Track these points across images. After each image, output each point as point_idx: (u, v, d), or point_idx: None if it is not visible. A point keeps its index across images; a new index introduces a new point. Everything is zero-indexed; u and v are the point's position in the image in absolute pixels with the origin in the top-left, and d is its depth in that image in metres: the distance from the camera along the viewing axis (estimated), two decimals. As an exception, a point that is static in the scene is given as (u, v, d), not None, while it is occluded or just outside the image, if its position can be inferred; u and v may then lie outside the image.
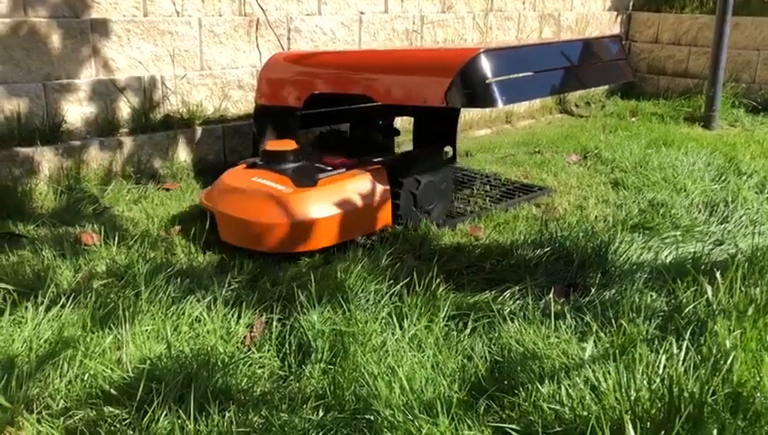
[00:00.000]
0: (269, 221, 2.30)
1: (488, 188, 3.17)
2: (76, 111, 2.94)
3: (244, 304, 1.85)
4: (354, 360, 1.49)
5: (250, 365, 1.62)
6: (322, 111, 3.17)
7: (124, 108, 3.08)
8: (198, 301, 1.86)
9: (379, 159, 2.60)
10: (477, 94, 2.22)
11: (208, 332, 1.74)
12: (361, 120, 3.19)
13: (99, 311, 1.81)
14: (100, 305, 1.82)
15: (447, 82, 2.23)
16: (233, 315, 1.80)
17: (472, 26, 4.63)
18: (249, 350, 1.69)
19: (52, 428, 1.32)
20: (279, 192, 2.35)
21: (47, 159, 2.78)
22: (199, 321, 1.80)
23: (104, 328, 1.72)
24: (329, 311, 1.78)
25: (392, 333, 1.64)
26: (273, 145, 2.65)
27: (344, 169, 2.48)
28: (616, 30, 5.74)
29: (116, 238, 2.34)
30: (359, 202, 2.38)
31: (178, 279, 1.97)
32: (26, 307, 1.79)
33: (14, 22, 2.73)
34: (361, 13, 3.97)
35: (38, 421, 1.35)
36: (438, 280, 1.91)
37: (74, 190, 2.80)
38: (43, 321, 1.74)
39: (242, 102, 3.52)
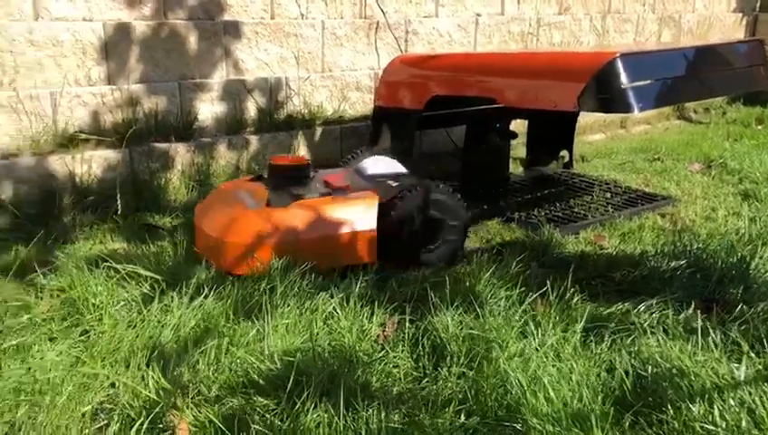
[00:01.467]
0: (219, 237, 2.14)
1: (608, 195, 3.09)
2: (207, 109, 3.08)
3: (375, 302, 1.88)
4: (496, 366, 1.49)
5: (385, 364, 1.64)
6: (438, 114, 3.18)
7: (251, 107, 3.20)
8: (331, 297, 1.91)
9: (392, 185, 2.37)
10: (613, 100, 2.16)
11: (342, 328, 1.78)
12: (478, 122, 3.17)
13: (231, 303, 1.88)
14: (239, 298, 1.90)
15: (581, 87, 2.19)
16: (366, 313, 1.83)
17: (588, 28, 4.52)
18: (383, 349, 1.71)
19: (210, 413, 1.39)
20: (242, 210, 2.20)
21: (180, 155, 2.92)
22: (332, 317, 1.84)
23: (246, 320, 1.79)
24: (461, 315, 1.78)
25: (529, 342, 1.62)
26: (277, 159, 2.49)
27: (333, 193, 2.29)
28: (740, 33, 5.45)
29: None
30: (328, 231, 2.16)
31: (312, 276, 2.02)
32: (172, 296, 1.89)
33: (155, 24, 2.88)
34: (477, 15, 3.95)
35: (196, 406, 1.42)
36: (573, 290, 1.88)
37: (204, 185, 2.93)
38: (188, 310, 1.84)
39: (359, 104, 3.57)
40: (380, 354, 1.65)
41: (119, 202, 2.58)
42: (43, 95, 2.66)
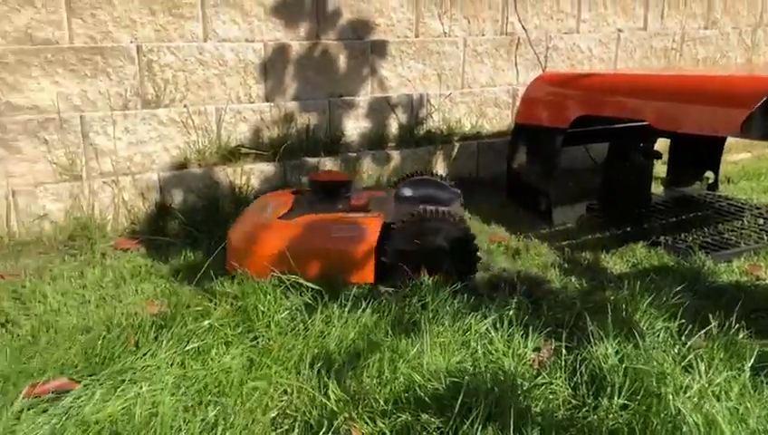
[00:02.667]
0: (237, 245, 2.27)
1: (761, 221, 2.95)
2: (353, 125, 3.21)
3: (530, 326, 1.90)
4: (665, 402, 1.47)
5: (543, 388, 1.66)
6: (581, 131, 3.15)
7: (393, 123, 3.30)
8: (484, 317, 1.95)
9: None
10: (782, 127, 2.08)
11: (498, 350, 1.81)
12: (620, 140, 3.12)
13: (388, 317, 1.97)
14: (389, 312, 1.98)
15: (746, 113, 2.11)
16: (521, 336, 1.86)
17: (736, 43, 4.31)
18: (538, 374, 1.73)
19: (384, 427, 1.47)
20: (257, 220, 2.31)
21: (328, 169, 3.06)
22: (485, 337, 1.88)
23: (403, 335, 1.86)
24: (619, 344, 1.77)
25: (694, 378, 1.60)
26: (318, 175, 2.60)
27: (348, 211, 2.34)
28: None
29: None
30: (322, 245, 2.21)
31: (464, 295, 2.07)
32: (333, 308, 2.00)
33: (310, 44, 3.04)
34: (619, 30, 3.87)
35: (369, 419, 1.51)
36: (738, 325, 1.82)
37: (349, 198, 3.06)
38: (348, 322, 1.94)
39: (496, 120, 3.60)
40: (540, 380, 1.68)
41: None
42: (210, 111, 2.87)
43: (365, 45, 3.18)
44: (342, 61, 3.14)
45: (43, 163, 2.60)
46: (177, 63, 2.78)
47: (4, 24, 2.49)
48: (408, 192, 2.55)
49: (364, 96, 3.22)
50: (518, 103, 3.36)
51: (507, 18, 3.51)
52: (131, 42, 2.70)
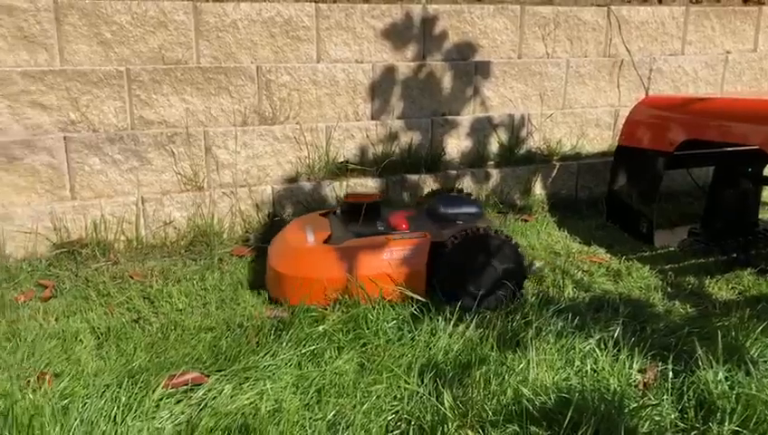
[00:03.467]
0: (279, 270, 2.31)
1: None
2: (454, 143, 3.30)
3: (636, 348, 1.92)
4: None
5: (649, 411, 1.68)
6: (686, 154, 3.11)
7: (493, 142, 3.37)
8: (588, 337, 1.98)
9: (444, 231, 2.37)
10: None
11: (602, 369, 1.84)
12: (728, 164, 3.06)
13: (493, 332, 2.03)
14: (494, 327, 2.04)
15: None
16: (627, 357, 1.88)
17: None
18: (645, 395, 1.75)
19: (494, 435, 1.54)
20: (301, 245, 2.35)
21: (427, 186, 3.16)
22: (589, 356, 1.92)
23: (508, 350, 1.92)
24: (729, 370, 1.77)
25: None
26: (350, 196, 2.64)
27: (389, 233, 2.36)
28: None
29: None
30: (378, 270, 2.24)
31: (569, 314, 2.11)
32: (438, 320, 2.08)
33: (415, 65, 3.16)
34: (727, 52, 3.80)
35: (481, 428, 1.58)
36: None
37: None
38: (452, 335, 2.01)
39: (597, 141, 3.60)
40: (646, 401, 1.70)
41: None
42: (320, 128, 3.03)
43: (469, 66, 3.27)
44: (446, 81, 3.23)
45: (169, 174, 2.82)
46: (293, 83, 2.96)
47: (141, 45, 2.72)
48: (440, 209, 2.58)
49: (466, 115, 3.30)
50: (620, 125, 3.35)
51: (611, 40, 3.51)
52: (252, 62, 2.89)
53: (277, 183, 2.98)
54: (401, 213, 2.56)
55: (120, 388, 1.69)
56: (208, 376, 1.80)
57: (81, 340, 2.03)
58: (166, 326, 2.15)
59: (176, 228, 2.83)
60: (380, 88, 3.12)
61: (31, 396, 1.62)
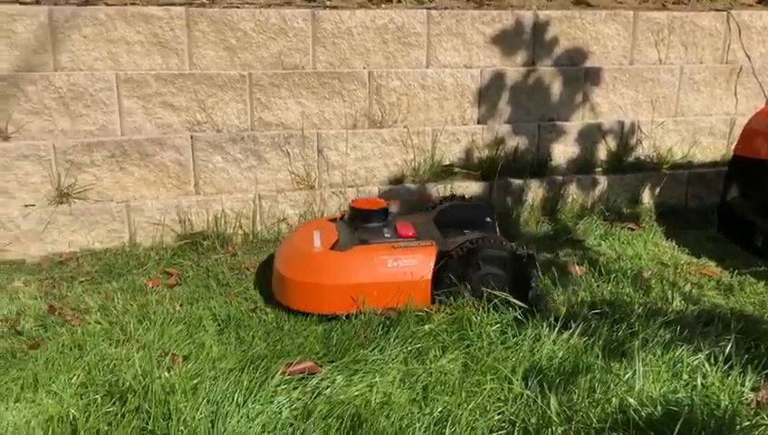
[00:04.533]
0: (285, 275, 2.31)
1: None
2: (560, 149, 3.29)
3: (749, 365, 1.88)
4: None
5: (763, 430, 1.65)
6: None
7: (601, 149, 3.33)
8: (696, 351, 1.95)
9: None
10: None
11: (711, 385, 1.82)
12: None
13: (598, 340, 2.03)
14: (599, 336, 2.05)
15: None
16: (739, 374, 1.84)
17: None
18: (758, 414, 1.72)
19: (601, 443, 1.56)
20: (308, 250, 2.32)
21: (532, 191, 3.17)
22: (697, 371, 1.89)
23: (613, 359, 1.92)
24: None
25: None
26: (357, 202, 2.59)
27: (394, 241, 2.33)
28: None
29: (596, 272, 2.58)
30: (382, 279, 2.23)
31: (677, 326, 2.08)
32: (542, 326, 2.11)
33: (525, 70, 3.18)
34: None
35: (586, 434, 1.60)
36: None
37: (552, 221, 3.14)
38: (556, 342, 2.03)
39: (710, 149, 3.49)
40: (759, 420, 1.66)
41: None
42: (427, 132, 3.10)
43: (579, 72, 3.25)
44: (555, 87, 3.23)
45: (284, 173, 2.97)
46: (402, 88, 3.04)
47: (262, 51, 2.89)
48: (448, 217, 2.56)
49: (574, 121, 3.28)
50: (736, 134, 3.23)
51: (729, 46, 3.40)
52: (364, 68, 3.00)
53: (383, 184, 3.08)
54: (409, 220, 2.53)
55: (242, 373, 1.83)
56: (321, 366, 1.91)
57: (204, 326, 2.19)
58: (280, 317, 2.28)
59: (288, 224, 2.98)
60: (488, 93, 3.16)
61: (166, 374, 1.78)
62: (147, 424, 1.60)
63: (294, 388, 1.81)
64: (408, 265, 2.26)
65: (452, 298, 2.26)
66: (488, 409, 1.74)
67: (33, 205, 2.71)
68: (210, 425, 1.62)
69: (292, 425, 1.67)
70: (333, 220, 2.62)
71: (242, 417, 1.66)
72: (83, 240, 2.75)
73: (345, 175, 3.04)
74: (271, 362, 1.90)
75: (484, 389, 1.81)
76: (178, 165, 2.84)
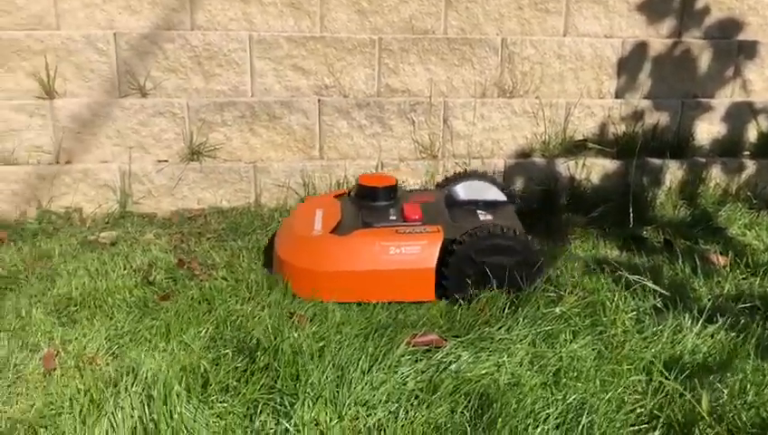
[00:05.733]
0: (282, 256, 2.19)
1: None
2: (704, 129, 3.04)
3: None
4: None
5: None
6: None
7: (751, 130, 3.05)
8: None
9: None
10: None
11: None
12: None
13: (750, 338, 1.85)
14: (751, 333, 1.87)
15: None
16: None
17: None
18: None
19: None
20: (307, 233, 2.20)
21: (671, 172, 2.95)
22: None
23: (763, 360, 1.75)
24: None
25: None
26: (365, 178, 2.42)
27: (399, 226, 2.18)
28: None
29: (742, 264, 2.37)
30: (383, 266, 2.08)
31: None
32: (684, 317, 1.95)
33: (670, 42, 2.94)
34: None
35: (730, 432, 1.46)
36: None
37: (690, 205, 2.91)
38: (700, 335, 1.87)
39: None
40: None
41: (609, 210, 2.73)
42: (560, 104, 2.94)
43: (731, 45, 2.98)
44: (703, 61, 2.98)
45: (407, 141, 2.91)
46: (536, 57, 2.90)
47: (393, 15, 2.82)
48: (459, 196, 2.39)
49: (722, 98, 3.02)
50: None
51: None
52: (497, 34, 2.88)
53: (510, 157, 2.96)
54: (417, 200, 2.35)
55: (367, 340, 1.79)
56: (446, 340, 1.85)
57: (326, 289, 2.18)
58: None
59: (409, 194, 2.92)
60: (628, 65, 2.95)
61: (295, 335, 1.77)
62: (275, 382, 1.60)
63: (418, 360, 1.76)
64: (411, 252, 2.10)
65: (458, 290, 2.10)
66: (625, 400, 1.62)
67: (167, 161, 2.79)
68: (336, 389, 1.60)
69: (417, 397, 1.62)
70: (340, 196, 2.48)
71: (366, 384, 1.63)
72: (212, 198, 2.82)
73: (470, 146, 2.94)
74: (395, 332, 1.86)
75: (622, 379, 1.69)
76: (305, 129, 2.84)
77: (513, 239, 2.09)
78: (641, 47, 2.94)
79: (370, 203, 2.33)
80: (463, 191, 2.45)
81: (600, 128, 2.98)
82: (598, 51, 2.92)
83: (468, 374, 1.69)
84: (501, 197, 2.45)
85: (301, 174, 2.84)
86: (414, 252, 2.10)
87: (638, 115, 2.98)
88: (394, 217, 2.23)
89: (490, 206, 2.38)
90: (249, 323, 1.91)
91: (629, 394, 1.65)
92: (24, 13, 2.63)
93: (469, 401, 1.59)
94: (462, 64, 2.88)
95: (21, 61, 2.64)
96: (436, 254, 2.10)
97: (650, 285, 2.11)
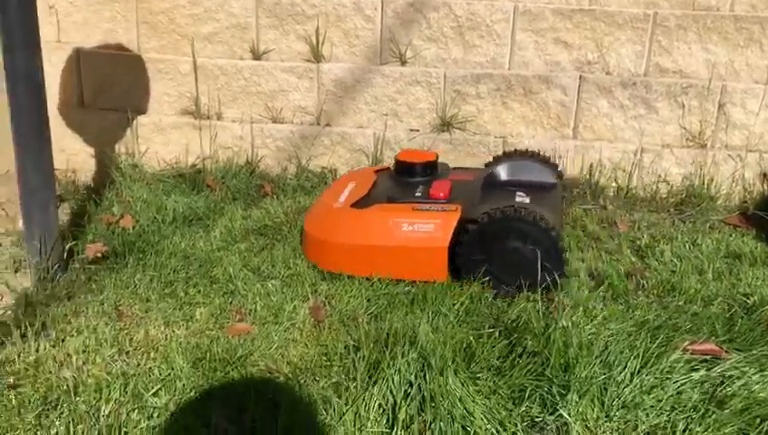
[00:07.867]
0: (306, 228, 2.19)
1: None
2: None
3: None
4: None
5: None
6: None
7: None
8: None
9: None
10: None
11: None
12: None
13: None
14: None
15: None
16: None
17: None
18: None
19: None
20: (329, 204, 2.18)
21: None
22: None
23: None
24: None
25: None
26: (404, 154, 2.37)
27: (419, 202, 2.09)
28: None
29: None
30: (395, 242, 2.02)
31: None
32: None
33: None
34: None
35: None
36: None
37: None
38: None
39: None
40: None
41: None
42: None
43: None
44: None
45: (673, 126, 2.67)
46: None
47: (669, -11, 2.58)
48: (501, 176, 2.25)
49: None
50: None
51: None
52: (796, 12, 2.52)
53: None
54: (450, 178, 2.24)
55: (637, 340, 1.67)
56: (727, 351, 1.66)
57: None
58: (661, 286, 2.06)
59: (668, 184, 2.69)
60: None
61: (563, 323, 1.70)
62: (544, 369, 1.54)
63: (694, 369, 1.60)
64: (425, 230, 2.02)
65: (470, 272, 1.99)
66: None
67: (418, 130, 2.82)
68: (603, 387, 1.50)
69: (695, 408, 1.47)
70: (381, 171, 2.44)
71: (635, 386, 1.51)
72: (458, 170, 2.81)
73: (748, 137, 2.62)
74: (667, 335, 1.71)
75: None
76: (561, 105, 2.72)
77: (533, 225, 1.92)
78: None
79: (406, 179, 2.30)
80: (504, 171, 2.31)
81: None
82: None
83: (761, 395, 1.50)
84: (550, 179, 2.29)
85: (552, 152, 2.72)
86: (427, 230, 2.03)
87: None
88: (419, 195, 2.17)
89: (534, 187, 2.20)
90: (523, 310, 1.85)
91: None
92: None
93: (763, 427, 1.41)
94: (748, 45, 2.57)
95: (295, 24, 2.79)
96: (450, 233, 2.01)
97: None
